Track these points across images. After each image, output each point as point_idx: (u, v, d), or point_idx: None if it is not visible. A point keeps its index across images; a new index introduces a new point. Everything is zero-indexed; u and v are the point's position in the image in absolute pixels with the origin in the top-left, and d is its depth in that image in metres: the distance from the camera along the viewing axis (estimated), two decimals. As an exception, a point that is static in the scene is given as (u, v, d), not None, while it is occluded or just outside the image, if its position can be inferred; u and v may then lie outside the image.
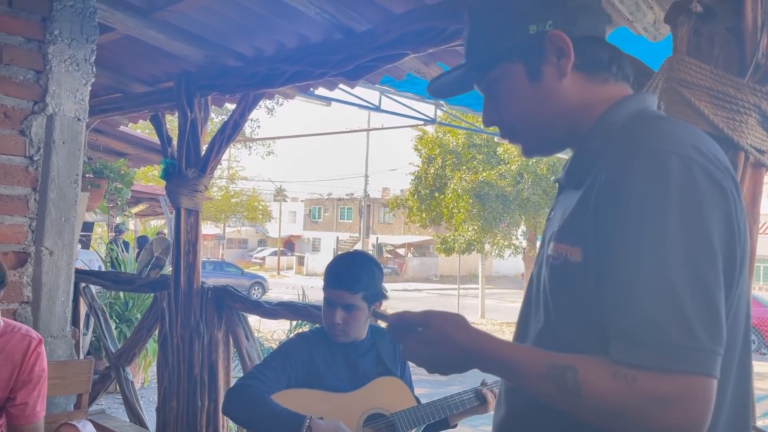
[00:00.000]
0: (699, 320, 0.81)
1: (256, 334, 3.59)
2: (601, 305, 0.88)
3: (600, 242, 0.88)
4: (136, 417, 3.67)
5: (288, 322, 5.66)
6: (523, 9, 1.03)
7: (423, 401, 2.16)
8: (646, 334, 0.81)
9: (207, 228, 37.96)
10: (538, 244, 1.12)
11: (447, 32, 2.20)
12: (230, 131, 3.32)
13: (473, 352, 0.95)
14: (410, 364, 2.29)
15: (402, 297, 22.19)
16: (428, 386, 8.15)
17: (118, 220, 11.68)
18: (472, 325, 0.99)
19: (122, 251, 7.93)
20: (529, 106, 1.04)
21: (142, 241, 11.14)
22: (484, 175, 16.11)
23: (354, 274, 2.05)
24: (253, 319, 3.67)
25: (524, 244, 18.24)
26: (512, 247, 18.11)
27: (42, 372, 1.94)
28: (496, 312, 19.23)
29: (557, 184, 1.11)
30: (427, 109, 9.46)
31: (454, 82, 1.15)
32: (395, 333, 1.03)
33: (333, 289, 2.05)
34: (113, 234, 10.92)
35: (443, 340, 0.97)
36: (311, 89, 4.16)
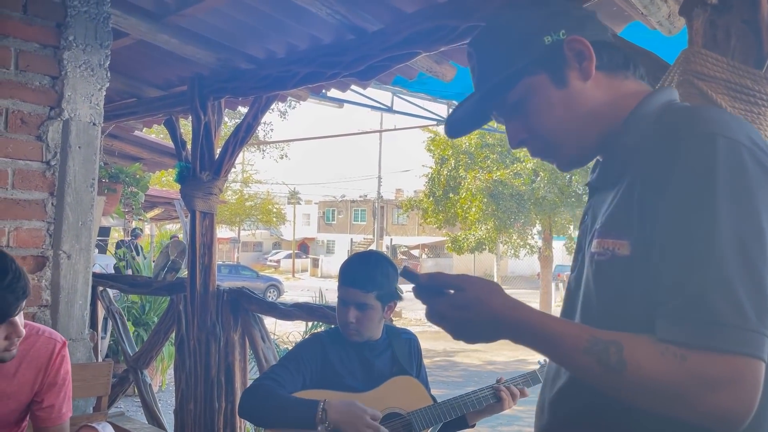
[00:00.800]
0: (749, 300, 0.80)
1: (271, 337, 3.61)
2: (647, 298, 0.87)
3: (649, 229, 0.88)
4: (154, 419, 3.69)
5: (304, 323, 5.68)
6: (533, 25, 1.05)
7: (439, 401, 2.16)
8: (696, 311, 0.80)
9: (222, 231, 38.17)
10: (573, 251, 1.10)
11: (458, 30, 2.20)
12: (243, 134, 3.34)
13: (508, 321, 0.93)
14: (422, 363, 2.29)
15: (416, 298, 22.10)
16: (444, 387, 8.13)
17: (134, 224, 11.78)
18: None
19: (134, 254, 8.01)
20: (561, 114, 1.04)
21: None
22: (498, 174, 16.03)
23: (368, 273, 2.06)
24: (269, 322, 3.68)
25: (539, 243, 18.14)
26: (527, 246, 18.02)
27: (66, 374, 1.96)
28: (512, 312, 19.09)
29: (587, 188, 1.11)
30: (440, 109, 9.44)
31: (469, 117, 1.14)
32: (423, 293, 1.00)
33: (347, 288, 2.05)
34: (129, 237, 11.02)
35: (476, 305, 0.94)
36: (323, 91, 4.17)
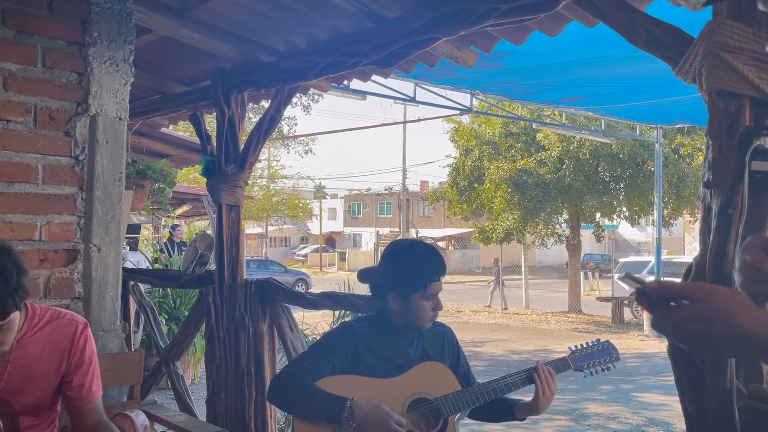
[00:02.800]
0: None
1: (299, 327, 3.64)
2: None
3: None
4: (187, 409, 3.75)
5: (331, 314, 5.71)
6: None
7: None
8: None
9: (250, 227, 38.53)
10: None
11: (479, 13, 2.18)
12: (267, 126, 3.36)
13: (763, 340, 0.80)
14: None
15: (445, 290, 22.09)
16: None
17: (168, 221, 11.92)
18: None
19: (170, 252, 8.13)
20: None
21: None
22: (522, 163, 15.88)
23: (441, 257, 2.15)
24: (297, 314, 3.72)
25: (567, 232, 17.95)
26: (555, 235, 17.84)
27: (92, 353, 2.01)
28: (540, 302, 19.02)
29: None
30: (463, 98, 9.39)
31: None
32: (649, 300, 0.89)
33: (441, 277, 2.10)
34: (168, 231, 11.05)
35: (722, 320, 0.82)
36: (345, 82, 4.18)
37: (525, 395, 2.18)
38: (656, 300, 0.88)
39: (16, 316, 1.79)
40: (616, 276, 18.16)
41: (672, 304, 0.86)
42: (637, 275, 0.94)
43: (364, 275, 2.19)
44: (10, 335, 1.81)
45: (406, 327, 2.10)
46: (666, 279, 0.91)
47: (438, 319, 2.20)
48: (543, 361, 2.26)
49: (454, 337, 2.26)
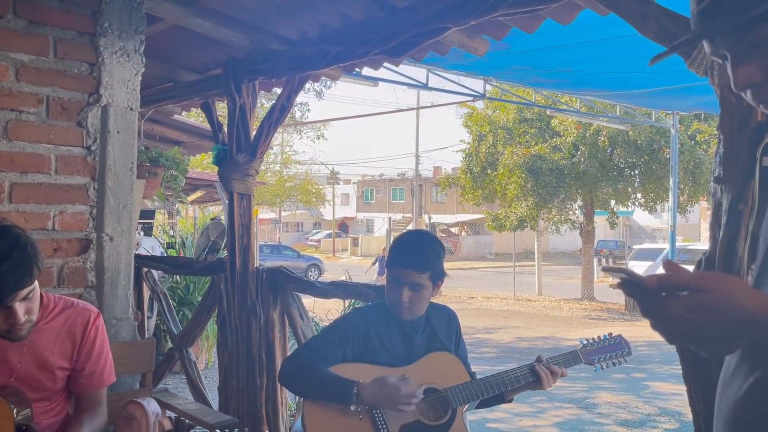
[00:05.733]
0: None
1: (311, 315, 3.66)
2: None
3: None
4: (199, 395, 3.80)
5: (342, 302, 5.74)
6: None
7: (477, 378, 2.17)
8: None
9: (264, 212, 38.68)
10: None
11: (489, 2, 2.16)
12: (278, 114, 3.36)
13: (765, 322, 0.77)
14: (463, 343, 2.29)
15: (457, 276, 22.13)
16: (482, 363, 8.15)
17: (203, 213, 12.06)
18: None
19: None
20: None
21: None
22: (536, 148, 15.76)
23: (422, 253, 2.08)
24: (308, 301, 3.74)
25: (581, 218, 17.85)
26: (569, 222, 17.74)
27: (103, 343, 2.07)
28: (553, 288, 18.98)
29: None
30: (476, 84, 9.35)
31: (682, 45, 0.97)
32: (643, 295, 0.84)
33: (401, 268, 2.07)
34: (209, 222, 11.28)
35: (726, 306, 0.79)
36: (356, 69, 4.16)
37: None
38: (648, 291, 0.83)
39: (37, 288, 1.83)
40: (629, 263, 18.05)
41: (663, 294, 0.82)
42: (620, 266, 0.91)
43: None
44: (35, 304, 1.86)
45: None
46: (670, 273, 0.83)
47: (449, 304, 2.21)
48: (555, 352, 2.27)
49: (457, 321, 2.30)
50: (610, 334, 2.32)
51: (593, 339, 2.29)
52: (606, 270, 0.93)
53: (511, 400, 2.25)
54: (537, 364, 2.15)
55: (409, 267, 2.06)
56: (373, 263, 18.78)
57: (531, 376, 2.14)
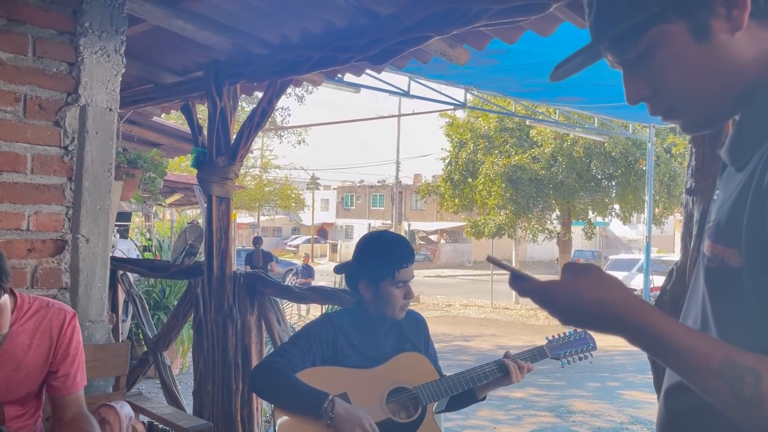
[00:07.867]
0: None
1: (297, 320, 3.65)
2: (765, 319, 0.76)
3: (758, 244, 0.75)
4: (173, 400, 3.76)
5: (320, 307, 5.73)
6: None
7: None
8: None
9: (242, 217, 38.46)
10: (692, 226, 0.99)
11: (471, 13, 2.18)
12: (258, 119, 3.35)
13: (629, 322, 0.82)
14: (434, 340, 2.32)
15: (435, 283, 22.17)
16: (459, 369, 8.17)
17: (181, 216, 12.33)
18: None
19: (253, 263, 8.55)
20: (697, 72, 0.86)
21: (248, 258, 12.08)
22: (517, 158, 15.92)
23: (408, 244, 2.19)
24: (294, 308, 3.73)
25: (558, 228, 18.03)
26: (546, 231, 17.91)
27: (78, 344, 2.03)
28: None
29: (721, 162, 0.95)
30: (457, 93, 9.41)
31: (579, 65, 0.98)
32: (525, 287, 0.93)
33: (410, 264, 2.14)
34: (254, 247, 11.99)
35: (590, 292, 0.85)
36: (339, 75, 4.18)
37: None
38: (530, 284, 0.92)
39: (6, 300, 1.80)
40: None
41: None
42: (504, 261, 0.99)
43: (339, 267, 2.31)
44: (4, 319, 1.82)
45: (381, 317, 2.15)
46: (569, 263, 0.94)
47: (426, 312, 2.24)
48: (521, 349, 2.32)
49: (426, 325, 2.34)
50: (575, 329, 2.36)
51: (559, 335, 2.35)
52: (490, 260, 1.04)
53: (484, 398, 2.27)
54: (505, 359, 2.19)
55: (412, 260, 2.16)
56: (297, 274, 18.78)
57: (499, 371, 2.18)
